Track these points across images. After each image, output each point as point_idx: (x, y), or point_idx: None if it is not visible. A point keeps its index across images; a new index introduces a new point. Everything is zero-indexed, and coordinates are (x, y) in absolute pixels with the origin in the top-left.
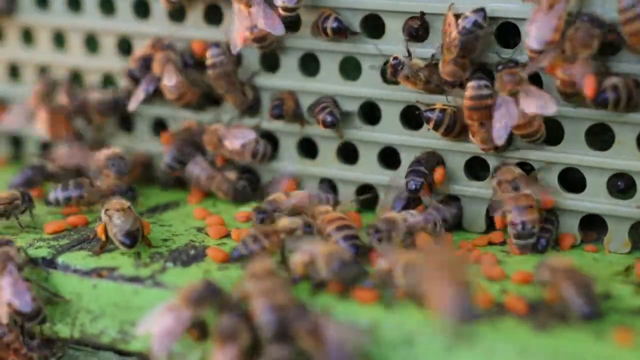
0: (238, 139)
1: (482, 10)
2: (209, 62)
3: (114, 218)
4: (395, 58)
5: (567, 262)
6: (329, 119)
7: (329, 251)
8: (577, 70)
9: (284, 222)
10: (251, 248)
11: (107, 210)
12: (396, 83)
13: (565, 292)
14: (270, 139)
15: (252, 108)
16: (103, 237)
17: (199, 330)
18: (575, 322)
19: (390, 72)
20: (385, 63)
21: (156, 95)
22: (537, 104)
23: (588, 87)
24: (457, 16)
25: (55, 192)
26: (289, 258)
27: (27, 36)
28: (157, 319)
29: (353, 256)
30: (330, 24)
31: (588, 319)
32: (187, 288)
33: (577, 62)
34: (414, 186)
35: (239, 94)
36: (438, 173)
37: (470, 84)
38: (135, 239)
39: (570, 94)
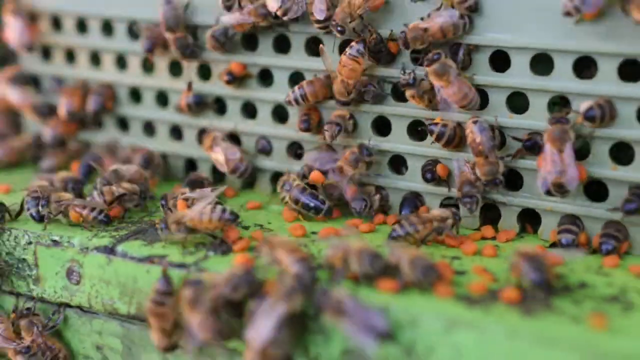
0: (225, 153)
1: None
2: None
3: None
4: (411, 74)
5: (531, 248)
6: None
7: (359, 247)
8: None
9: (437, 211)
10: (406, 229)
11: None
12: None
13: (522, 267)
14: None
15: None
16: None
17: (235, 310)
18: (531, 290)
19: (403, 86)
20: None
21: None
22: None
23: None
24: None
25: None
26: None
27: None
28: None
29: (378, 251)
30: None
31: (539, 286)
32: (229, 272)
33: None
34: (429, 176)
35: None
36: (440, 167)
37: None
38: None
39: None
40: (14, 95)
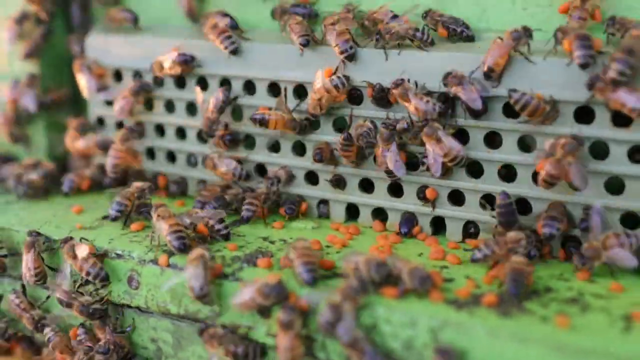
0: (225, 165)
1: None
2: None
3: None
4: (407, 123)
5: (520, 261)
6: None
7: (366, 258)
8: None
9: (512, 234)
10: (484, 252)
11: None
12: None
13: (506, 277)
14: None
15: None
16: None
17: (264, 312)
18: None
19: (400, 131)
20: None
21: None
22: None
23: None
24: None
25: None
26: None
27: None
28: (240, 294)
29: (381, 260)
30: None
31: (514, 297)
32: (262, 282)
33: None
34: (421, 195)
35: None
36: (429, 192)
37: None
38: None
39: None
40: (81, 143)
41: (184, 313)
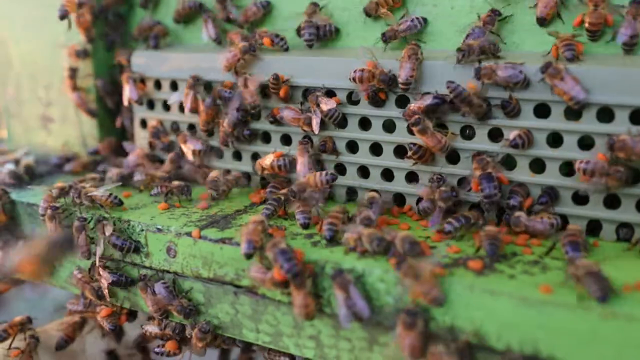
0: (193, 143)
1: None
2: None
3: None
4: (418, 118)
5: (493, 229)
6: None
7: (369, 232)
8: None
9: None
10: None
11: None
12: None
13: (483, 242)
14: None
15: None
16: None
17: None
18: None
19: (411, 121)
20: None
21: None
22: None
23: None
24: None
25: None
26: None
27: (166, 105)
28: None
29: (381, 234)
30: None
31: (491, 257)
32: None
33: None
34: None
35: None
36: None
37: None
38: None
39: None
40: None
41: (213, 277)
